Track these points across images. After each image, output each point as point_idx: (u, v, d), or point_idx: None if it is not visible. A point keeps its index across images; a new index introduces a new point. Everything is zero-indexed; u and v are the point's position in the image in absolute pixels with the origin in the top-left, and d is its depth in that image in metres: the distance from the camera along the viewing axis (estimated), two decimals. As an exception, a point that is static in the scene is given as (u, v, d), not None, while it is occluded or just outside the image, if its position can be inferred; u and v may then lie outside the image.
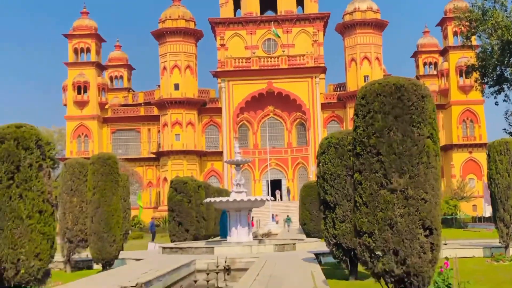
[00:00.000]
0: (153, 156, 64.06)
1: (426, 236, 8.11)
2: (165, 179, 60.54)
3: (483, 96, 38.28)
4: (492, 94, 39.18)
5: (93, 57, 65.77)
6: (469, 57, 53.43)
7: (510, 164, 18.04)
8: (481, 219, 51.31)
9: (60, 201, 18.18)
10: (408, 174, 8.01)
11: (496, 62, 36.99)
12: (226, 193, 38.26)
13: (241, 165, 23.35)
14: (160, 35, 62.57)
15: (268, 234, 34.45)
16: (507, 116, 38.63)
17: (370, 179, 8.16)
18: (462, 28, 43.54)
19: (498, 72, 38.24)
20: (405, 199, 7.99)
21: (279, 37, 63.58)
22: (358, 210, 8.39)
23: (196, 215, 26.63)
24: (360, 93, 8.46)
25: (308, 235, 29.58)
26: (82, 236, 18.03)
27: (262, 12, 69.22)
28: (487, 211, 56.00)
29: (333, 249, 13.77)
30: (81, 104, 64.82)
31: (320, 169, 13.68)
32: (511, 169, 18.03)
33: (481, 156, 64.72)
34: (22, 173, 10.62)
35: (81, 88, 64.72)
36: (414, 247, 8.00)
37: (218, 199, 22.01)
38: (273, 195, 56.17)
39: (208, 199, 22.46)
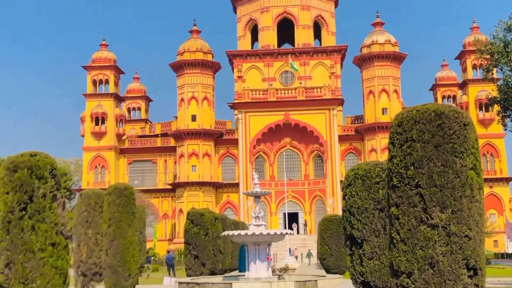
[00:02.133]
0: (169, 187, 63.63)
1: (470, 277, 7.39)
2: (180, 210, 59.98)
3: (505, 129, 37.44)
4: (515, 128, 38.32)
5: (111, 88, 66.12)
6: (489, 91, 52.82)
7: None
8: (504, 256, 49.92)
9: (74, 233, 17.65)
10: (450, 209, 7.33)
11: (518, 95, 36.30)
12: (243, 226, 37.53)
13: (260, 197, 22.70)
14: (178, 67, 62.82)
15: (285, 269, 33.49)
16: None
17: (409, 214, 7.49)
18: (483, 61, 43.05)
19: (520, 105, 37.49)
20: (447, 235, 7.30)
21: (296, 70, 63.52)
22: (395, 248, 7.70)
23: (212, 249, 25.90)
24: (396, 120, 7.84)
25: (327, 271, 28.66)
26: (97, 270, 17.41)
27: (279, 44, 69.38)
28: (510, 247, 54.55)
29: (360, 287, 13.00)
30: (99, 135, 64.91)
31: (346, 202, 13.02)
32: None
33: (502, 191, 63.45)
34: (35, 203, 10.13)
35: (99, 119, 64.89)
36: (457, 289, 7.29)
37: (236, 233, 21.28)
38: (290, 228, 55.20)
39: (226, 232, 21.75)
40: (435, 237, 7.29)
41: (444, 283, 7.30)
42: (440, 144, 7.41)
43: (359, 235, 12.55)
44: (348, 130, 63.73)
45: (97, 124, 64.88)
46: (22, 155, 10.49)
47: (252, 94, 62.50)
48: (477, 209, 7.43)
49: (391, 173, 7.80)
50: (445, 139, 7.42)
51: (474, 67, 66.49)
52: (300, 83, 63.69)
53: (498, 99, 38.47)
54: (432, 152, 7.39)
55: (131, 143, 67.43)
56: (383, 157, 58.16)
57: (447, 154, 7.38)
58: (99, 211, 17.05)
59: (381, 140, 60.21)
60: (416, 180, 7.43)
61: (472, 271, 7.38)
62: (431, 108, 7.60)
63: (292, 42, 69.46)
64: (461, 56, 67.79)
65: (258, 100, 62.09)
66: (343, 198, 13.21)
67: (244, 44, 68.98)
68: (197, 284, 19.11)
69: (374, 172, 12.43)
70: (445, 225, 7.29)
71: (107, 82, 66.38)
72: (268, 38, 67.18)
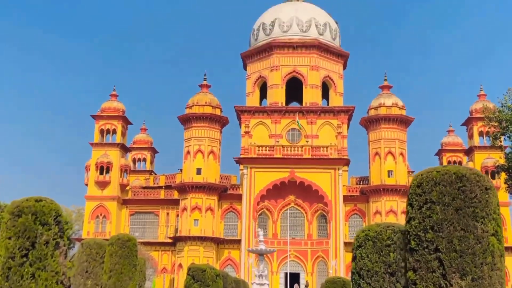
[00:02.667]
0: (170, 241, 62.75)
1: None
2: (180, 265, 58.93)
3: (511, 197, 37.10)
4: (522, 196, 37.87)
5: (118, 138, 66.29)
6: (495, 158, 52.69)
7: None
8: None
9: (73, 283, 17.17)
10: (470, 276, 7.02)
11: (526, 163, 36.07)
12: (244, 284, 36.67)
13: (264, 255, 22.24)
14: (186, 120, 63.13)
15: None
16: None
17: (427, 279, 7.18)
18: (491, 128, 43.09)
19: (527, 174, 37.19)
20: (468, 304, 6.99)
21: (301, 127, 63.79)
22: (411, 314, 7.37)
23: (213, 306, 25.15)
24: (415, 181, 7.64)
25: (329, 335, 27.72)
26: (93, 323, 16.86)
27: (287, 102, 69.94)
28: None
29: None
30: (103, 185, 64.63)
31: (355, 264, 12.62)
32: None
33: (508, 261, 62.19)
34: (37, 250, 9.84)
35: (103, 169, 64.76)
36: None
37: (238, 290, 20.73)
38: (291, 288, 54.01)
39: (227, 290, 21.19)
40: (454, 305, 6.97)
41: None
42: (461, 207, 7.17)
43: (368, 300, 12.10)
44: (353, 191, 63.28)
45: (101, 173, 64.71)
46: (27, 199, 10.27)
47: (259, 150, 62.50)
48: (498, 278, 7.13)
49: (409, 236, 7.53)
50: (466, 203, 7.19)
51: (481, 134, 66.59)
52: (307, 141, 63.78)
53: (506, 166, 38.24)
54: (453, 215, 7.14)
55: (134, 194, 67.02)
56: (388, 220, 57.46)
57: (468, 218, 7.14)
58: (100, 261, 16.65)
59: (386, 203, 59.67)
60: (435, 244, 7.16)
61: None
62: (452, 170, 7.41)
63: (300, 100, 70.05)
64: (468, 122, 68.00)
65: (264, 156, 62.03)
66: (353, 260, 12.84)
67: (253, 100, 69.58)
68: None
69: (386, 234, 12.10)
70: (465, 293, 6.97)
71: (114, 132, 66.61)
72: (277, 95, 67.79)
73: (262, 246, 21.26)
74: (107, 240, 16.53)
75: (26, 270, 9.75)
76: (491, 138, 44.39)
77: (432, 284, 7.16)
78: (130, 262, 15.34)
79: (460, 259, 7.08)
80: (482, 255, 7.09)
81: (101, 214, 64.12)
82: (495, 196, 7.43)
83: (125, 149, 68.14)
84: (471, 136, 67.70)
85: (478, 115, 63.61)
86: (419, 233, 7.37)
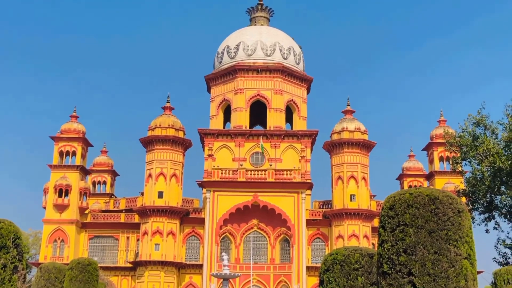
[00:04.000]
0: (130, 265, 61.42)
1: None
2: (140, 291, 57.73)
3: (473, 222, 37.64)
4: (483, 221, 38.56)
5: (78, 160, 65.00)
6: (456, 183, 53.64)
7: (519, 294, 16.89)
8: None
9: (29, 310, 16.50)
10: (444, 300, 6.93)
11: (486, 188, 36.77)
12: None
13: (228, 280, 21.88)
14: (148, 142, 62.41)
15: None
16: (497, 245, 37.70)
17: (400, 304, 7.05)
18: (452, 153, 43.84)
19: (488, 199, 37.90)
20: (441, 329, 6.86)
21: (263, 150, 63.81)
22: None
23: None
24: (387, 203, 7.54)
25: None
26: None
27: (251, 126, 69.99)
28: None
29: None
30: (61, 208, 63.11)
31: (323, 289, 12.50)
32: (521, 300, 16.85)
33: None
34: (-6, 275, 9.36)
35: (62, 191, 63.28)
36: None
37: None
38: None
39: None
40: (428, 330, 6.83)
41: None
42: (434, 230, 7.10)
43: (336, 325, 11.93)
44: (316, 215, 63.36)
45: (60, 196, 63.19)
46: (-16, 221, 9.79)
47: (222, 173, 62.12)
48: (472, 302, 7.05)
49: (381, 259, 7.40)
50: (440, 225, 7.12)
51: (441, 159, 67.86)
52: (270, 165, 63.78)
53: (466, 191, 38.88)
54: (426, 238, 7.06)
55: (94, 218, 65.57)
56: (350, 244, 57.61)
57: (441, 241, 7.06)
58: (59, 286, 16.00)
59: (349, 227, 59.92)
60: (409, 268, 7.05)
61: None
62: (424, 192, 7.35)
63: (264, 124, 70.18)
64: (428, 147, 69.26)
65: (227, 180, 61.65)
66: (320, 284, 12.69)
67: (217, 123, 69.38)
68: None
69: (353, 258, 12.01)
70: (439, 318, 6.84)
71: (74, 154, 65.32)
72: (241, 119, 67.78)
73: (226, 271, 20.88)
74: (66, 264, 15.91)
75: (-20, 296, 9.23)
76: (451, 163, 45.16)
77: (405, 308, 7.04)
78: (90, 287, 14.80)
79: (433, 283, 6.98)
80: (456, 279, 7.01)
81: (59, 238, 62.48)
82: (468, 219, 7.39)
83: (85, 171, 66.83)
84: (431, 161, 68.90)
85: (439, 140, 64.93)
86: (391, 256, 7.25)
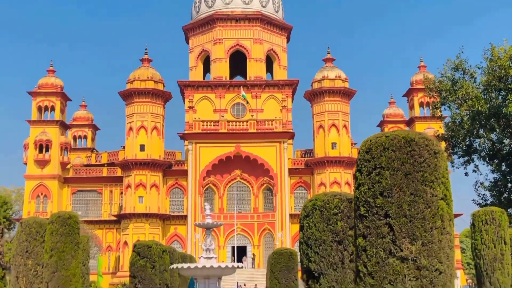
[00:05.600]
0: (114, 218, 61.74)
1: (440, 313, 7.02)
2: (125, 243, 58.18)
3: (452, 166, 38.12)
4: (462, 165, 39.07)
5: (57, 115, 64.20)
6: (435, 128, 54.09)
7: (496, 234, 17.20)
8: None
9: (13, 264, 16.46)
10: (420, 240, 6.98)
11: (465, 132, 37.09)
12: (191, 259, 36.54)
13: (211, 229, 22.04)
14: (128, 96, 61.69)
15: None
16: (476, 187, 38.35)
17: (377, 245, 7.09)
18: (431, 98, 44.03)
19: (467, 143, 38.28)
20: (417, 269, 6.92)
21: (245, 99, 63.47)
22: (361, 281, 7.25)
23: (159, 282, 24.90)
24: (363, 146, 7.50)
25: (277, 306, 28.00)
26: (35, 304, 16.24)
27: (231, 76, 69.41)
28: (455, 285, 55.16)
29: (317, 323, 12.45)
30: (42, 163, 62.68)
31: (303, 234, 12.56)
32: (497, 240, 17.18)
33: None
34: (-30, 230, 9.25)
35: (43, 147, 62.72)
36: (427, 326, 6.88)
37: (186, 265, 20.47)
38: (239, 261, 54.24)
39: (175, 265, 20.89)
40: (404, 270, 6.90)
41: (414, 320, 6.89)
42: (410, 172, 7.09)
43: (316, 268, 12.08)
44: (298, 164, 63.77)
45: (41, 151, 62.68)
46: (-43, 177, 9.62)
47: (203, 125, 61.92)
48: (448, 242, 7.12)
49: (358, 202, 7.41)
50: (416, 167, 7.11)
51: (421, 104, 68.19)
52: (252, 116, 63.63)
53: (446, 136, 39.22)
54: (402, 180, 7.05)
55: (76, 172, 65.34)
56: (332, 191, 58.32)
57: (417, 182, 7.07)
58: (41, 240, 15.98)
59: (330, 174, 60.48)
60: (385, 210, 7.07)
61: (442, 307, 7.01)
62: (400, 134, 7.30)
63: (244, 74, 69.62)
64: (409, 93, 69.45)
65: (209, 131, 61.53)
66: (300, 230, 12.79)
67: (196, 74, 68.68)
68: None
69: (333, 203, 12.08)
70: (415, 258, 6.91)
71: (53, 109, 64.44)
72: (220, 69, 67.11)
73: (209, 220, 21.02)
74: (47, 219, 15.85)
75: (-43, 251, 9.14)
76: (431, 109, 45.39)
77: (382, 250, 7.09)
78: (72, 240, 14.80)
79: (410, 224, 7.03)
80: (432, 219, 7.06)
81: (41, 194, 62.32)
82: (444, 160, 7.39)
83: (64, 126, 66.15)
84: (411, 107, 69.24)
85: (419, 86, 65.02)
86: (368, 199, 7.27)
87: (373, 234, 7.20)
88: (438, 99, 38.85)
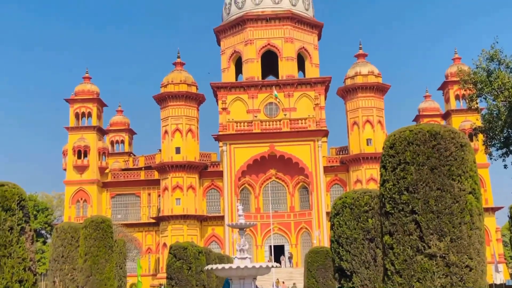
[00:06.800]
0: (153, 221, 62.43)
1: (472, 311, 6.79)
2: (164, 244, 58.73)
3: (490, 158, 37.20)
4: (500, 157, 38.11)
5: (94, 121, 65.28)
6: (472, 121, 52.92)
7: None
8: (492, 287, 49.19)
9: (50, 269, 16.78)
10: (449, 237, 6.76)
11: (503, 124, 36.15)
12: (228, 260, 36.59)
13: (245, 230, 22.01)
14: (162, 99, 62.31)
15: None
16: (516, 178, 37.25)
17: (404, 243, 6.90)
18: (467, 90, 43.06)
19: (505, 134, 37.31)
20: (447, 266, 6.70)
21: (278, 99, 63.31)
22: (389, 280, 7.07)
23: (196, 283, 25.02)
24: (387, 142, 7.31)
25: (315, 305, 27.81)
26: (73, 308, 16.49)
27: (263, 76, 69.37)
28: (498, 279, 53.81)
29: (351, 322, 12.28)
30: (81, 169, 63.81)
31: (334, 232, 12.40)
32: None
33: (488, 221, 62.90)
34: (2, 237, 9.40)
35: (81, 153, 63.86)
36: (459, 324, 6.66)
37: (220, 266, 20.45)
38: (277, 260, 54.17)
39: (209, 266, 20.92)
40: (433, 268, 6.69)
41: (444, 319, 6.68)
42: (436, 166, 6.87)
43: (348, 267, 11.90)
44: (333, 161, 63.33)
45: (79, 157, 63.83)
46: (-12, 185, 9.79)
47: (237, 126, 62.07)
48: (478, 237, 6.88)
49: (383, 199, 7.23)
50: (441, 161, 6.89)
51: (457, 97, 66.85)
52: (285, 115, 63.47)
53: (483, 128, 38.32)
54: (428, 175, 6.84)
55: (114, 177, 66.33)
56: (369, 188, 57.67)
57: (444, 177, 6.84)
58: (76, 245, 16.24)
59: (366, 171, 59.86)
60: (411, 206, 6.87)
61: (474, 304, 6.78)
62: (425, 128, 7.10)
63: (276, 74, 69.50)
64: (444, 86, 68.18)
65: (242, 132, 61.65)
66: (331, 228, 12.63)
67: (228, 76, 68.89)
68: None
69: (363, 200, 11.88)
70: (443, 255, 6.69)
71: (89, 115, 65.57)
72: (252, 70, 67.16)
73: (241, 221, 20.98)
74: (81, 224, 16.06)
75: (-10, 258, 9.31)
76: (467, 101, 44.43)
77: (409, 247, 6.90)
78: (105, 244, 14.96)
79: (437, 220, 6.81)
80: (460, 215, 6.83)
81: (81, 199, 63.44)
82: (471, 153, 7.14)
83: (101, 131, 67.23)
84: (447, 100, 67.96)
85: (454, 79, 63.70)
86: (393, 195, 7.08)
87: (400, 232, 7.01)
88: (474, 91, 38.01)
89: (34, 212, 73.05)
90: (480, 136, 37.90)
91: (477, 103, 38.62)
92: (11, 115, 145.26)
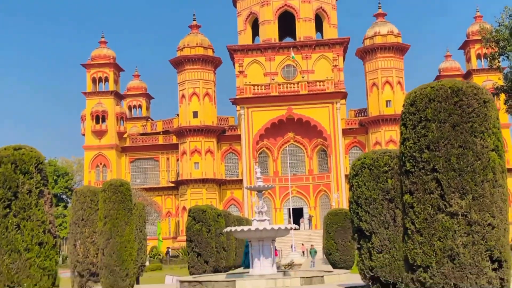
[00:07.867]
0: (172, 185, 62.96)
1: (494, 270, 6.66)
2: (184, 208, 59.33)
3: (512, 118, 36.59)
4: (523, 117, 37.37)
5: (111, 86, 65.40)
6: (494, 80, 51.92)
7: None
8: (513, 247, 49.16)
9: (70, 232, 16.98)
10: (470, 195, 6.60)
11: (526, 82, 35.39)
12: (247, 222, 36.82)
13: (263, 192, 22.04)
14: (179, 63, 62.03)
15: (291, 265, 32.79)
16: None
17: (424, 201, 6.76)
18: (489, 49, 42.10)
19: (527, 93, 36.56)
20: (468, 224, 6.57)
21: (295, 59, 62.53)
22: (410, 239, 6.96)
23: (216, 246, 25.22)
24: (408, 99, 7.11)
25: (334, 266, 27.97)
26: (94, 270, 16.73)
27: (280, 38, 68.53)
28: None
29: (370, 283, 12.26)
30: (100, 134, 64.26)
31: (353, 193, 12.28)
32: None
33: (509, 182, 62.49)
34: (20, 200, 9.44)
35: (99, 118, 64.22)
36: (480, 283, 6.54)
37: (239, 228, 20.59)
38: (295, 223, 54.47)
39: (228, 228, 21.08)
40: (454, 226, 6.56)
41: (466, 278, 6.56)
42: (458, 123, 6.67)
43: (367, 228, 11.83)
44: (352, 124, 62.92)
45: (97, 122, 64.22)
46: (6, 148, 9.81)
47: (254, 89, 61.72)
48: (501, 195, 6.71)
49: (404, 157, 7.07)
50: (464, 118, 6.68)
51: (478, 56, 65.61)
52: (303, 77, 62.90)
53: (505, 87, 37.57)
54: (449, 132, 6.65)
55: (133, 141, 66.76)
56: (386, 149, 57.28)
57: (466, 134, 6.65)
58: (95, 208, 16.36)
59: (386, 133, 59.43)
60: (432, 164, 6.71)
61: (496, 263, 6.65)
62: (447, 84, 6.87)
63: (293, 35, 68.63)
64: (465, 46, 66.89)
65: (260, 95, 61.32)
66: (350, 189, 12.51)
67: (245, 38, 68.19)
68: (199, 282, 18.44)
69: (382, 161, 11.70)
70: (465, 213, 6.56)
71: (106, 80, 65.67)
72: (269, 32, 66.37)
73: (260, 183, 20.99)
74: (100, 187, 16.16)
75: (10, 221, 9.39)
76: (489, 60, 43.52)
77: (430, 206, 6.76)
78: (125, 207, 15.02)
79: (459, 178, 6.65)
80: (483, 172, 6.65)
81: (101, 163, 64.08)
82: (495, 110, 6.92)
83: (119, 96, 67.39)
84: (468, 60, 66.75)
85: (475, 38, 62.36)
86: (414, 153, 6.91)
87: (420, 190, 6.86)
88: (496, 50, 37.15)
89: (54, 177, 74.02)
90: (502, 96, 37.25)
91: (499, 62, 37.81)
92: (27, 82, 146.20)
